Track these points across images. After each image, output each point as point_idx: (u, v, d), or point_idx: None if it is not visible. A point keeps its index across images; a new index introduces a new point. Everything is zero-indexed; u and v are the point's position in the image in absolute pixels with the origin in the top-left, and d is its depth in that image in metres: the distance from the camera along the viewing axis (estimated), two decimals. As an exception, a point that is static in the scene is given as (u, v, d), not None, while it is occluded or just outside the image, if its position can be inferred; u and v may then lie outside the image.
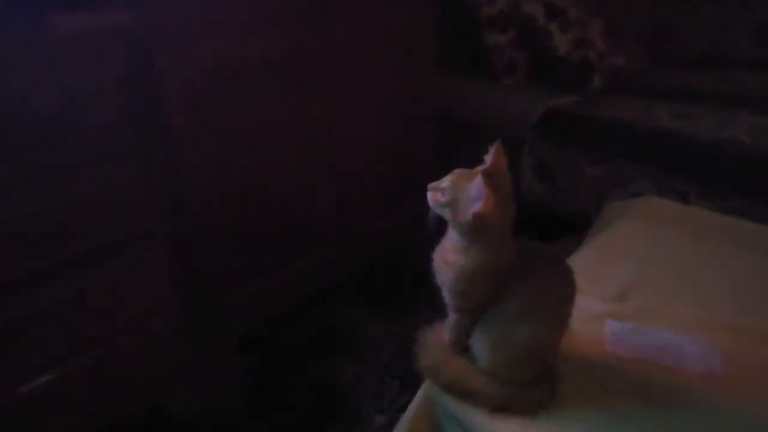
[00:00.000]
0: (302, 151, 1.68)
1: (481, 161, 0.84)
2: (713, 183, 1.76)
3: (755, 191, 1.67)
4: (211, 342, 1.62)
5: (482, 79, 2.47)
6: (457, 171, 0.85)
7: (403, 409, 1.60)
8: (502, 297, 0.84)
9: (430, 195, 0.85)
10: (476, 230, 0.80)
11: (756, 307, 1.11)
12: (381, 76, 1.84)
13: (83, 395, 1.27)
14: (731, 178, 1.72)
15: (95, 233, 1.22)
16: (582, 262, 1.27)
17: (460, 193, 0.81)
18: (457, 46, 2.48)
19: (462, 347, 0.93)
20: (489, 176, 0.78)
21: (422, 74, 1.97)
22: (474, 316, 0.87)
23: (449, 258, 0.84)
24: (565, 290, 0.85)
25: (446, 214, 0.83)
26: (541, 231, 2.03)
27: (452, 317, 0.90)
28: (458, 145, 2.32)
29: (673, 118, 1.94)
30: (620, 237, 1.41)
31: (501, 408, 0.88)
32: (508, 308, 0.84)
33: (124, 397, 1.36)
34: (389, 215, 2.04)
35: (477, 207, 0.77)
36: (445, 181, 0.84)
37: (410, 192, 2.14)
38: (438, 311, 1.85)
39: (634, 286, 1.21)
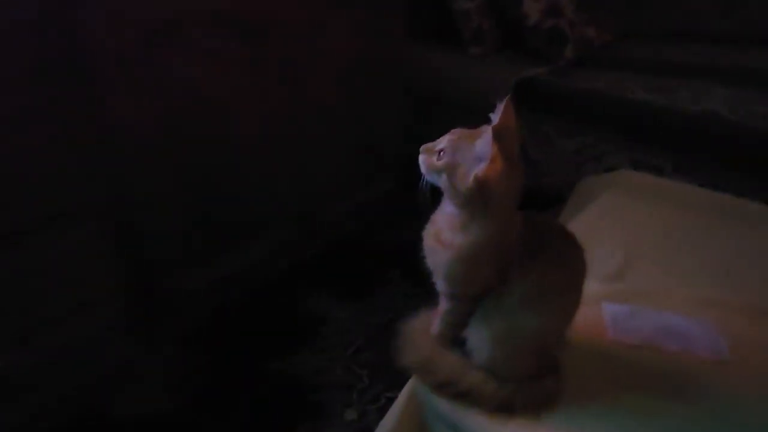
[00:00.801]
0: (256, 119, 1.50)
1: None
2: (690, 156, 1.71)
3: (733, 164, 1.63)
4: (160, 335, 1.43)
5: (449, 47, 2.33)
6: (456, 131, 0.71)
7: (375, 401, 1.51)
8: (506, 281, 0.71)
9: (423, 159, 0.71)
10: (479, 200, 0.67)
11: (752, 285, 1.04)
12: (344, 37, 1.67)
13: (10, 397, 1.07)
14: (709, 151, 1.67)
15: (13, 208, 1.01)
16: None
17: (460, 155, 0.67)
18: (422, 11, 2.32)
19: (454, 340, 0.81)
20: (498, 135, 0.65)
21: (389, 38, 1.81)
22: (473, 304, 0.75)
23: (444, 236, 0.71)
24: (577, 270, 0.74)
25: (442, 181, 0.69)
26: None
27: (446, 306, 0.77)
28: (426, 118, 2.20)
29: (647, 90, 1.87)
30: (603, 213, 1.32)
31: (502, 408, 0.76)
32: (514, 294, 0.71)
33: (57, 399, 1.17)
34: (353, 192, 1.89)
35: (481, 170, 0.64)
36: (443, 142, 0.70)
37: (376, 167, 2.00)
38: (410, 295, 1.77)
39: (626, 265, 1.12)
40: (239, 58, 1.39)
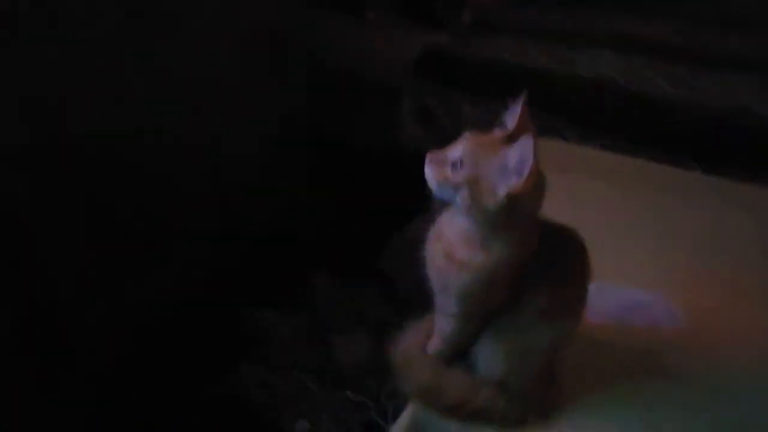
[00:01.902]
0: (147, 104, 1.25)
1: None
2: (591, 122, 1.79)
3: (630, 129, 1.74)
4: (72, 383, 1.19)
5: (342, 13, 2.18)
6: (469, 136, 0.63)
7: (327, 408, 1.42)
8: (520, 295, 0.66)
9: (432, 172, 0.62)
10: (507, 217, 0.59)
11: (698, 252, 1.11)
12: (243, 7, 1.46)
13: None
14: (608, 117, 1.77)
15: None
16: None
17: (484, 167, 0.59)
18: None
19: (454, 357, 0.75)
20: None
21: (292, 6, 1.63)
22: (482, 323, 0.69)
23: (459, 255, 0.63)
24: (585, 273, 0.71)
25: (461, 197, 0.61)
26: (423, 181, 1.90)
27: (451, 326, 0.71)
28: (334, 95, 2.05)
29: (548, 57, 1.92)
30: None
31: (517, 422, 0.72)
32: (529, 308, 0.67)
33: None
34: (267, 188, 1.71)
35: (516, 184, 0.57)
36: (458, 151, 0.61)
37: (291, 156, 1.83)
38: (342, 292, 1.67)
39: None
40: (112, 24, 1.13)
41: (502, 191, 0.58)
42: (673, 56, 1.86)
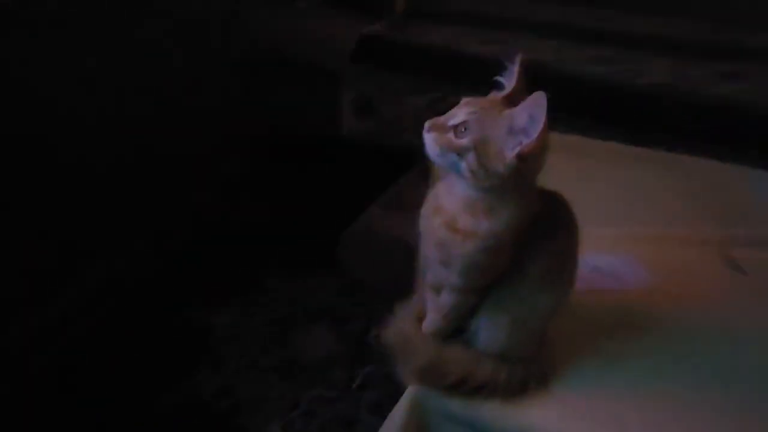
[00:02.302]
0: (79, 100, 1.14)
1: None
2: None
3: (560, 109, 1.81)
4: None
5: (273, 2, 2.10)
6: (469, 100, 0.61)
7: (294, 407, 1.36)
8: (520, 262, 0.65)
9: (433, 138, 0.60)
10: (516, 180, 0.58)
11: (661, 217, 1.17)
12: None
13: None
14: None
15: None
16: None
17: (491, 129, 0.57)
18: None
19: (451, 333, 0.73)
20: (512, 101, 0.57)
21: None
22: (482, 295, 0.68)
23: (463, 224, 0.62)
24: (576, 236, 0.71)
25: (467, 162, 0.59)
26: (368, 171, 1.89)
27: (451, 301, 0.69)
28: (273, 84, 1.97)
29: (483, 43, 1.95)
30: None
31: (519, 392, 0.72)
32: (532, 275, 0.66)
33: None
34: (204, 179, 1.62)
35: (528, 144, 0.56)
36: (459, 115, 0.59)
37: (231, 151, 1.74)
38: (292, 283, 1.60)
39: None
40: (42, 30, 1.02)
41: (511, 153, 0.57)
42: (602, 39, 1.97)
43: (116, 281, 1.35)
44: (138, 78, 1.34)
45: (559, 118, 1.91)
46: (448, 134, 0.60)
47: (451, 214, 0.62)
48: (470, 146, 0.58)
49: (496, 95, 0.64)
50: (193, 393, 1.27)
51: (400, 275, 0.98)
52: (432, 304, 0.72)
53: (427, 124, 0.61)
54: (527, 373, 0.72)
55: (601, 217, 1.16)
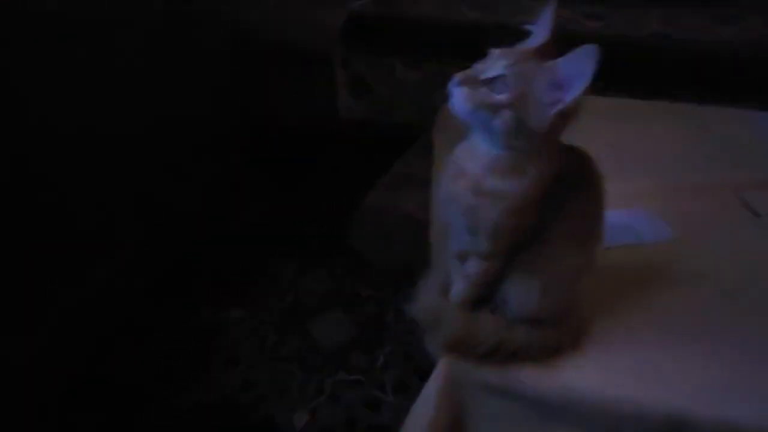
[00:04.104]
0: (62, 109, 1.11)
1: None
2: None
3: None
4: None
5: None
6: (503, 51, 0.58)
7: (318, 395, 1.34)
8: (548, 221, 0.63)
9: (466, 94, 0.56)
10: (550, 137, 0.56)
11: (672, 167, 1.15)
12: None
13: None
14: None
15: None
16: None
17: (533, 84, 0.54)
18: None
19: (477, 302, 0.71)
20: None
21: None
22: (509, 259, 0.65)
23: (491, 185, 0.59)
24: (601, 192, 0.69)
25: (501, 120, 0.55)
26: (370, 151, 1.86)
27: (479, 267, 0.67)
28: (267, 72, 1.93)
29: (471, 9, 1.91)
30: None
31: (552, 353, 0.70)
32: (558, 235, 0.64)
33: None
34: (200, 177, 1.58)
35: (571, 100, 0.53)
36: (497, 68, 0.56)
37: (216, 147, 1.70)
38: (298, 268, 1.58)
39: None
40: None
41: (552, 109, 0.54)
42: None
43: (128, 281, 1.33)
44: (131, 77, 1.30)
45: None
46: (481, 89, 0.56)
47: (475, 177, 0.60)
48: (510, 103, 0.55)
49: (525, 47, 0.60)
50: (216, 389, 1.25)
51: (412, 253, 0.96)
52: (457, 273, 0.70)
53: (457, 77, 0.58)
54: (560, 335, 0.71)
55: (614, 172, 1.14)
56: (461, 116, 0.58)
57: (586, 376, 0.70)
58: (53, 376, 1.14)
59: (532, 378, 0.70)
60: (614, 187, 1.06)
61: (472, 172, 0.60)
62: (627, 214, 1.03)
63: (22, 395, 1.03)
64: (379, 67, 1.92)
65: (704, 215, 1.04)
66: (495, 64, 0.57)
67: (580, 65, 0.53)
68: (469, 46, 2.03)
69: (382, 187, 1.56)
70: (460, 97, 0.57)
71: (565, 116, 0.55)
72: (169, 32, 1.43)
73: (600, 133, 1.25)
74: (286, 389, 1.26)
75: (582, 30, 1.78)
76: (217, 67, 1.66)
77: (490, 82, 0.56)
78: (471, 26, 1.85)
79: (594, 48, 0.52)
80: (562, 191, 0.63)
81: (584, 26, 1.80)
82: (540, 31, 0.59)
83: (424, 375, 0.76)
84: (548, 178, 0.59)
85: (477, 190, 0.59)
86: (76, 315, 1.20)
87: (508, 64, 0.56)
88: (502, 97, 0.55)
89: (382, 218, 1.48)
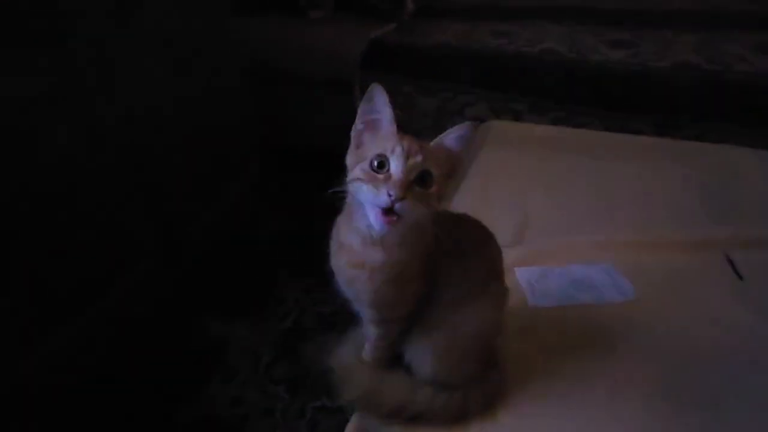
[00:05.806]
0: (76, 135, 1.21)
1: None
2: (540, 96, 1.78)
3: (577, 98, 1.73)
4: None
5: (287, 16, 2.16)
6: (404, 144, 0.61)
7: (301, 416, 1.41)
8: (435, 286, 0.65)
9: (410, 206, 0.58)
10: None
11: (641, 218, 1.11)
12: (167, 18, 1.42)
13: None
14: (554, 89, 1.75)
15: None
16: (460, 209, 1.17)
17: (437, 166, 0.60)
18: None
19: (391, 359, 0.74)
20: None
21: (216, 15, 1.60)
22: (405, 322, 0.68)
23: (365, 257, 0.62)
24: (494, 256, 0.70)
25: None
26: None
27: (376, 332, 0.70)
28: (283, 98, 2.03)
29: (493, 36, 1.90)
30: (487, 173, 1.32)
31: (458, 419, 0.72)
32: (446, 298, 0.66)
33: None
34: (212, 197, 1.67)
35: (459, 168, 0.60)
36: (416, 163, 0.59)
37: (239, 165, 1.80)
38: (304, 291, 1.66)
39: (523, 225, 1.13)
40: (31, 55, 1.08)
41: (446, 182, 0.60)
42: (614, 20, 1.87)
43: (133, 295, 1.43)
44: (155, 98, 1.40)
45: (575, 110, 1.83)
46: (416, 190, 0.59)
47: (354, 251, 0.63)
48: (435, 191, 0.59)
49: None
50: (207, 404, 1.35)
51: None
52: (364, 332, 0.74)
53: (393, 193, 0.57)
54: (467, 400, 0.72)
55: (582, 221, 1.12)
56: (364, 203, 0.60)
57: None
58: (54, 387, 1.25)
59: (436, 442, 0.72)
60: (580, 239, 1.06)
61: (350, 246, 0.63)
62: (593, 270, 1.00)
63: (22, 408, 1.15)
64: (397, 93, 1.96)
65: (685, 272, 0.99)
66: (412, 159, 0.59)
67: (463, 136, 0.59)
68: (487, 75, 2.02)
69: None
70: (406, 210, 0.57)
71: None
72: (196, 61, 1.54)
73: (587, 172, 1.25)
74: (270, 410, 1.33)
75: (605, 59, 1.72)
76: (239, 93, 1.76)
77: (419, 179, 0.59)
78: (487, 52, 1.85)
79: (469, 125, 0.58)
80: (448, 256, 0.64)
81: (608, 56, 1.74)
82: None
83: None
84: (430, 247, 0.62)
85: (353, 260, 0.62)
86: (86, 328, 1.31)
87: (420, 155, 0.59)
88: (434, 189, 0.59)
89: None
